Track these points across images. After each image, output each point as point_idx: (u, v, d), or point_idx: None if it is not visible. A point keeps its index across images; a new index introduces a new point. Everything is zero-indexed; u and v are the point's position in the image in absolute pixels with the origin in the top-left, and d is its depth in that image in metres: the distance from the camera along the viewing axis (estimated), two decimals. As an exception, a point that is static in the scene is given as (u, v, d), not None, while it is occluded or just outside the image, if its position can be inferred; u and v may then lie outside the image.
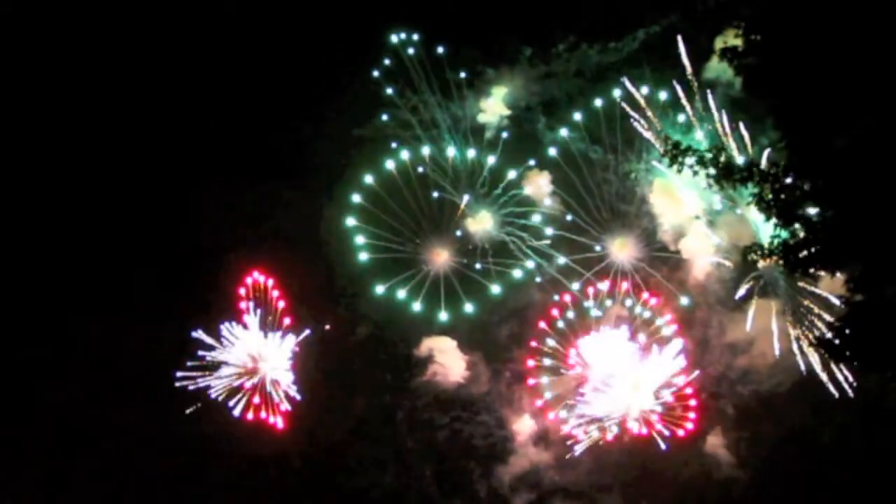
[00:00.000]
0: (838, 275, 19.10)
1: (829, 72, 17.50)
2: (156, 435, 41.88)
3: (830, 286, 37.10)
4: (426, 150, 43.68)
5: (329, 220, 44.13)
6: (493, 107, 44.61)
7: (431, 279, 42.72)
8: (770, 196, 18.55)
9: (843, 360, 21.01)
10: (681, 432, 41.25)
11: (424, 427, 43.87)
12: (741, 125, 40.42)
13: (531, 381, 42.58)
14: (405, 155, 43.43)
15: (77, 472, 41.85)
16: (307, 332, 43.44)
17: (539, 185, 43.36)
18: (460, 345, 43.87)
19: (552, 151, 43.41)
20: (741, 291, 41.30)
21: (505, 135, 44.07)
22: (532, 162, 43.48)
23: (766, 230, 21.78)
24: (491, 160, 43.41)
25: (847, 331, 18.72)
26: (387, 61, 45.07)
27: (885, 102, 17.25)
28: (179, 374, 43.13)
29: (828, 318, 38.49)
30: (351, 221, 43.21)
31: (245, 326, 43.75)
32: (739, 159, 28.44)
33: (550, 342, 42.30)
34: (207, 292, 43.32)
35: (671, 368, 41.50)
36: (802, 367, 40.16)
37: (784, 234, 18.85)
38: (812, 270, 19.20)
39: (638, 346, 41.94)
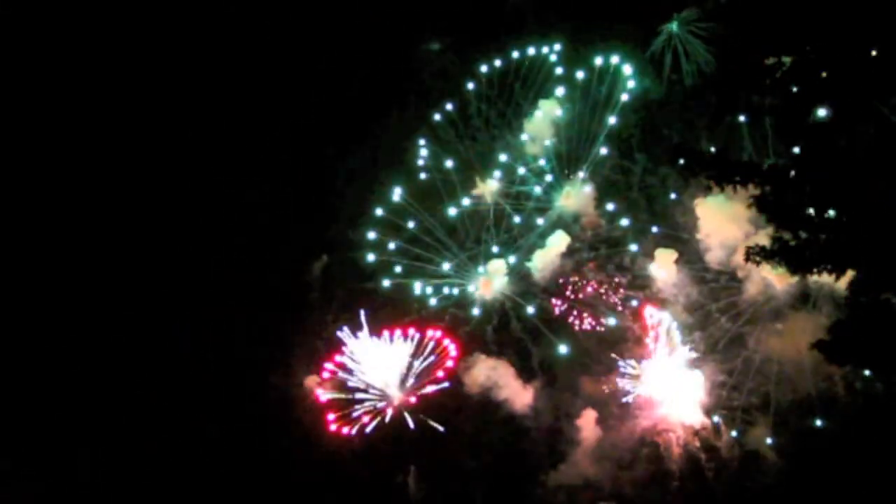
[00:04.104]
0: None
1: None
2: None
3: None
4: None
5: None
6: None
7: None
8: (772, 198, 18.43)
9: (843, 362, 20.93)
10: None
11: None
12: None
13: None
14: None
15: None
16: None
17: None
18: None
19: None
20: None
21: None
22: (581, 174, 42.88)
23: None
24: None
25: (848, 333, 18.61)
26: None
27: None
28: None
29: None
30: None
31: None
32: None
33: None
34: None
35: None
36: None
37: (786, 235, 18.72)
38: (813, 273, 18.99)
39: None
